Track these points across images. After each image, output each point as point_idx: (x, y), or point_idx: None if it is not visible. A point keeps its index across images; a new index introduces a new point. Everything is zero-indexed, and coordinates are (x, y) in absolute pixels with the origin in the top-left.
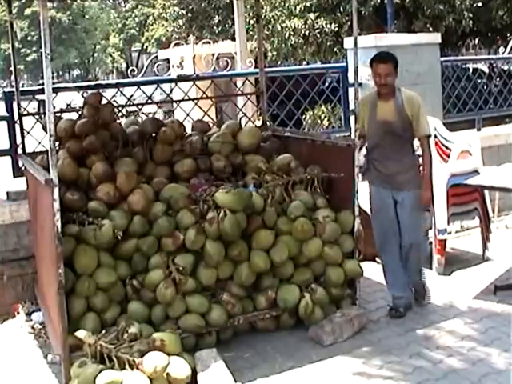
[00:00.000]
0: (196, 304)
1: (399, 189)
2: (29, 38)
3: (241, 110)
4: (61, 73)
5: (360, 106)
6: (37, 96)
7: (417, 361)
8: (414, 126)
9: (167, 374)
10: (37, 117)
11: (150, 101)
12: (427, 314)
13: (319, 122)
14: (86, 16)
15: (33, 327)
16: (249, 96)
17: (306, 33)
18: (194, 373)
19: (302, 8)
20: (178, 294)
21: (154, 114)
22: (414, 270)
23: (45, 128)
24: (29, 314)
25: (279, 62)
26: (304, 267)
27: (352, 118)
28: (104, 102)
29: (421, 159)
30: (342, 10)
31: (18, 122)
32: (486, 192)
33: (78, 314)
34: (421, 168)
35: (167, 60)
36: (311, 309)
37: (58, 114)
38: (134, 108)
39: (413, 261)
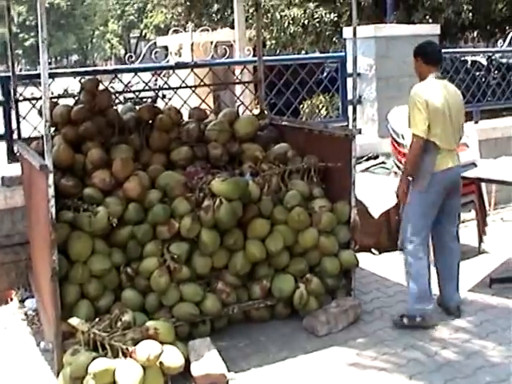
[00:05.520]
0: (190, 292)
1: None
2: (27, 23)
3: (238, 98)
4: (59, 58)
5: None
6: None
7: (411, 353)
8: None
9: (160, 362)
10: (33, 102)
11: (147, 87)
12: None
13: (317, 111)
14: (85, 2)
15: (26, 314)
16: (247, 84)
17: (305, 22)
18: (188, 362)
19: None
20: (173, 283)
21: (152, 100)
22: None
23: (41, 113)
24: (22, 301)
25: (278, 51)
26: (299, 257)
27: (350, 108)
28: (101, 87)
29: None
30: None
31: (14, 107)
32: (483, 185)
33: (72, 302)
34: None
35: (165, 47)
36: (306, 299)
37: (55, 100)
38: (131, 94)
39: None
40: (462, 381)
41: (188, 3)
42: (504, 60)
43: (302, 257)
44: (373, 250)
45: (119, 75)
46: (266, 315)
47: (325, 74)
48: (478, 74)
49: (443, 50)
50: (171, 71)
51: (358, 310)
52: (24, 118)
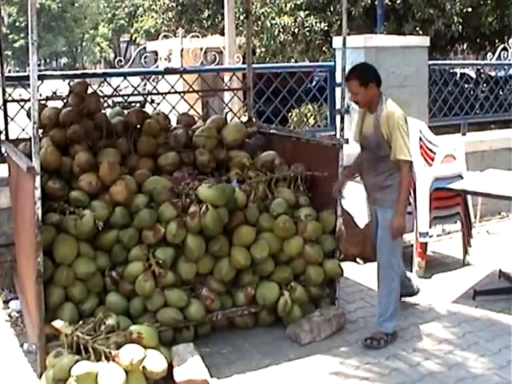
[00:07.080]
0: (175, 298)
1: (375, 203)
2: (17, 24)
3: (227, 105)
4: (48, 60)
5: (357, 115)
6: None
7: (394, 363)
8: (392, 147)
9: (143, 367)
10: (21, 103)
11: (136, 92)
12: (406, 317)
13: (305, 120)
14: (76, 4)
15: (10, 315)
16: (235, 91)
17: (296, 30)
18: (171, 367)
19: (293, 6)
20: (157, 287)
21: (141, 105)
22: (382, 292)
23: (29, 115)
24: (6, 302)
25: (267, 59)
26: (284, 265)
27: (338, 118)
28: (90, 91)
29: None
30: (332, 9)
31: (2, 107)
32: (469, 197)
33: (56, 304)
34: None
35: (155, 52)
36: (290, 307)
37: (43, 102)
38: (119, 98)
39: (381, 282)
40: None
41: (179, 8)
42: (493, 73)
43: (287, 265)
44: (358, 259)
45: (108, 79)
46: (250, 322)
47: (314, 82)
48: (466, 86)
49: (432, 62)
50: (160, 76)
51: (341, 319)
52: (12, 119)
